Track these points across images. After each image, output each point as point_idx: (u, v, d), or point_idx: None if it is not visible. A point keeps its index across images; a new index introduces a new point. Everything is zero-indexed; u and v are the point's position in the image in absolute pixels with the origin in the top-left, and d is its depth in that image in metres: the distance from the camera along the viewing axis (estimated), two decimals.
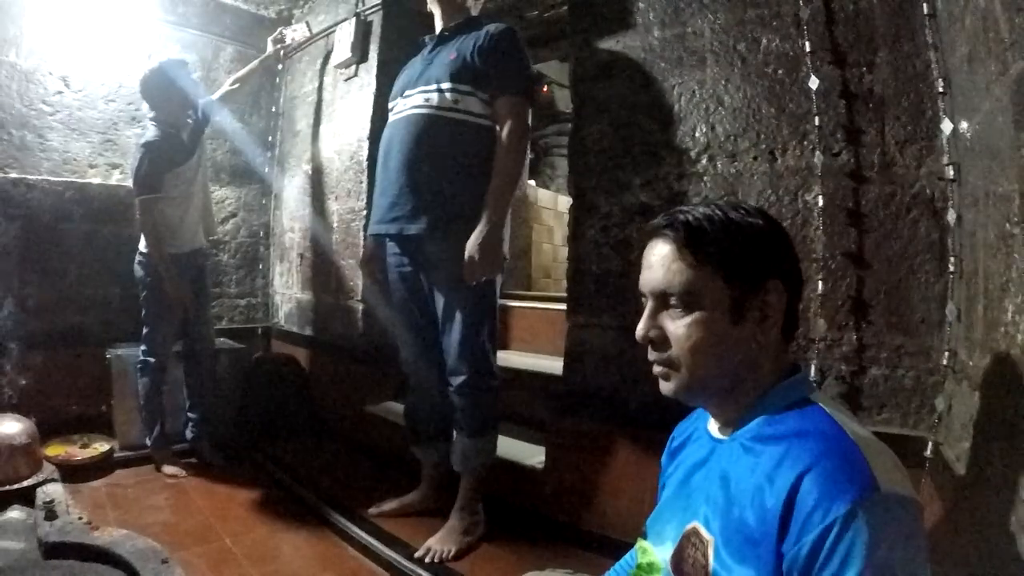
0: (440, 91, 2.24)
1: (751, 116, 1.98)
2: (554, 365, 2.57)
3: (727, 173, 2.02)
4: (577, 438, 2.37)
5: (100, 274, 3.66)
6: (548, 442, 2.52)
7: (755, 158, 1.96)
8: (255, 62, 3.50)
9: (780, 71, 1.92)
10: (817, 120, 1.83)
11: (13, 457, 2.70)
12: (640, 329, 1.01)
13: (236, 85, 3.43)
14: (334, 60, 3.69)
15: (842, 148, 1.81)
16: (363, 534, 2.39)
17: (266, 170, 4.40)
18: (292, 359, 3.89)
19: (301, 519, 2.65)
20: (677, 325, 0.96)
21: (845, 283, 1.79)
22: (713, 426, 1.07)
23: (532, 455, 2.60)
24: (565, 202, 4.78)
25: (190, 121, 3.19)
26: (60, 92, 3.67)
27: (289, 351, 4.04)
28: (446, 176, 2.24)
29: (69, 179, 3.63)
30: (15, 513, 2.46)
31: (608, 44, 2.32)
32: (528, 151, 2.47)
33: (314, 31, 3.87)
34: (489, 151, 2.23)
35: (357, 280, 3.40)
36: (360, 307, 3.39)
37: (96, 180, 3.76)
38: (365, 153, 3.36)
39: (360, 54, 3.49)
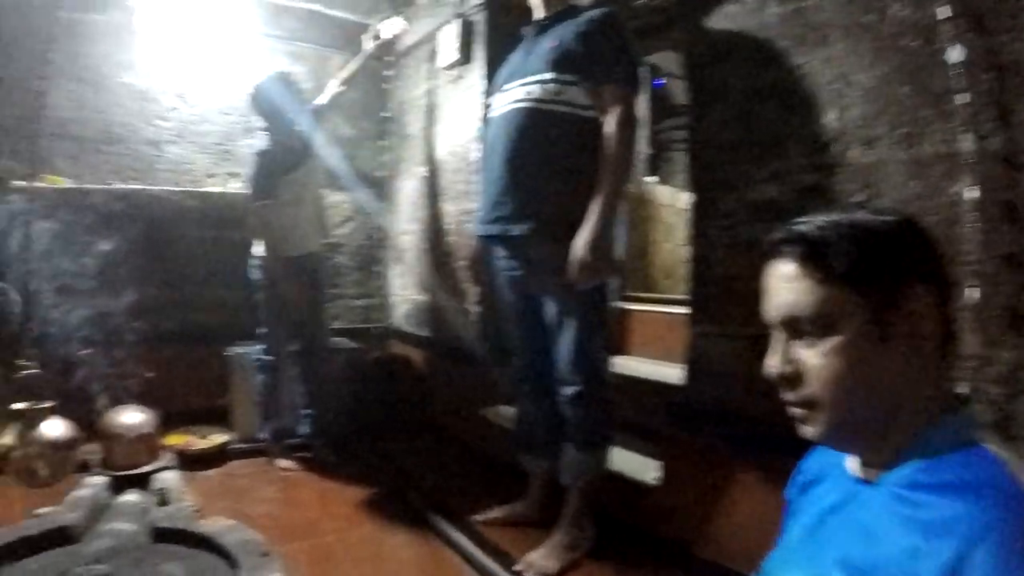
0: (541, 83, 2.12)
1: (885, 96, 1.70)
2: (674, 373, 2.37)
3: (862, 163, 1.75)
4: (695, 455, 2.18)
5: (221, 277, 3.80)
6: (664, 457, 2.34)
7: (893, 144, 1.68)
8: (356, 62, 3.51)
9: (913, 43, 1.63)
10: (960, 98, 1.53)
11: (133, 445, 2.82)
12: (770, 366, 0.86)
13: (342, 88, 3.47)
14: (439, 63, 3.67)
15: (993, 129, 1.50)
16: (466, 541, 2.31)
17: (380, 174, 4.48)
18: (407, 360, 3.91)
19: (406, 520, 2.60)
20: (813, 355, 0.81)
21: (1001, 291, 1.48)
22: (854, 463, 0.88)
23: (646, 469, 2.42)
24: (686, 199, 4.56)
25: (299, 128, 3.25)
26: (176, 108, 3.89)
27: (405, 352, 4.05)
28: (551, 173, 2.11)
29: (188, 188, 3.84)
30: (131, 497, 2.55)
31: (722, 25, 2.10)
32: (638, 144, 2.30)
33: (417, 32, 3.89)
34: (597, 145, 2.08)
35: (471, 282, 3.33)
36: (476, 309, 3.33)
37: (215, 189, 3.95)
38: (475, 154, 3.29)
39: (465, 55, 3.45)
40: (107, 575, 1.75)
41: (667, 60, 5.87)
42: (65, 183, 3.52)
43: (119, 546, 2.02)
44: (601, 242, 2.00)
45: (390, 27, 3.45)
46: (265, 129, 3.21)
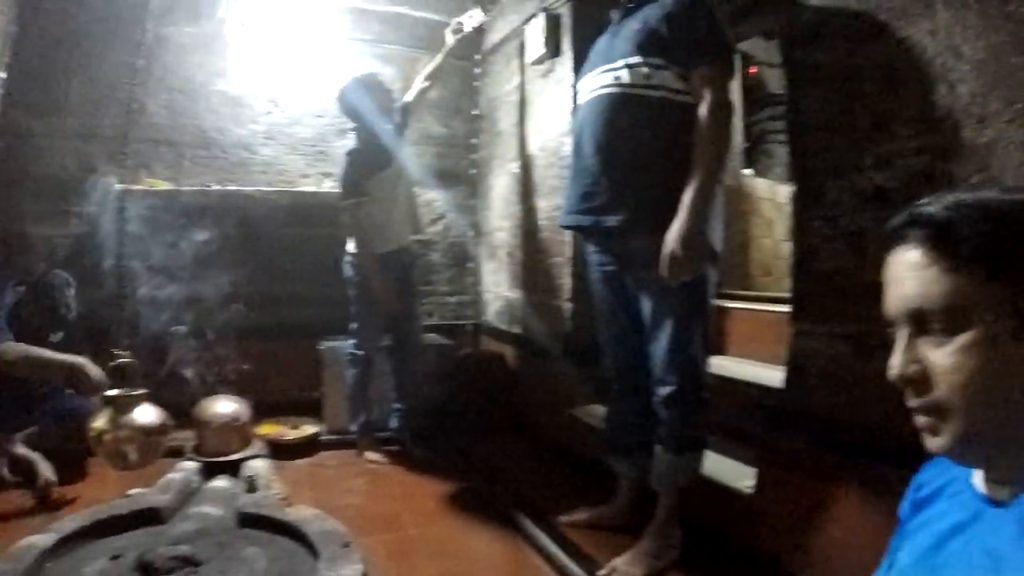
0: (629, 67, 2.01)
1: (998, 69, 1.50)
2: (773, 376, 2.21)
3: (976, 143, 1.54)
4: (794, 463, 2.01)
5: (314, 273, 3.90)
6: (760, 464, 2.18)
7: (1009, 121, 1.48)
8: (439, 57, 3.50)
9: None
10: None
11: (225, 433, 2.94)
12: (894, 367, 0.74)
13: (427, 83, 3.48)
14: (527, 58, 3.63)
15: None
16: (549, 542, 2.23)
17: (472, 171, 4.50)
18: (499, 356, 3.88)
19: (489, 518, 2.56)
20: (941, 355, 0.69)
21: None
22: (981, 479, 0.75)
23: (740, 476, 2.27)
24: (785, 192, 4.31)
25: (389, 127, 3.27)
26: (270, 112, 4.09)
27: (497, 348, 4.03)
28: (646, 160, 2.01)
29: (281, 188, 4.00)
30: (221, 482, 2.64)
31: (817, 0, 1.93)
32: (733, 131, 2.16)
33: (503, 29, 3.88)
34: (693, 130, 1.95)
35: (565, 279, 3.28)
36: (568, 306, 3.26)
37: (308, 188, 4.10)
38: (567, 149, 3.20)
39: (553, 49, 3.39)
40: (189, 555, 1.79)
41: (759, 48, 5.59)
42: (163, 185, 3.75)
43: (204, 529, 2.08)
44: (694, 235, 1.88)
45: (470, 20, 3.43)
46: (354, 129, 3.27)
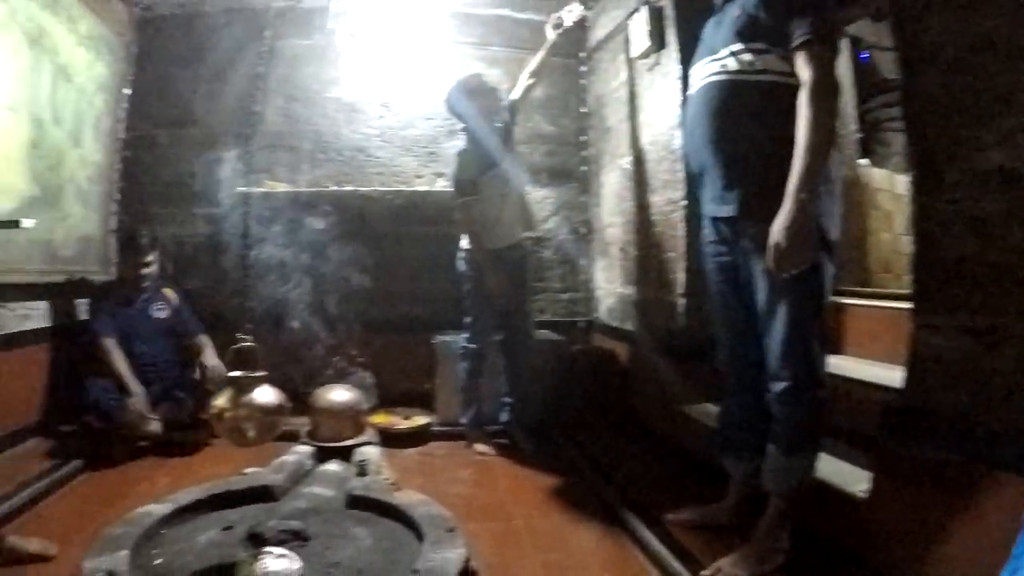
0: (733, 54, 1.96)
1: None
2: (891, 375, 2.09)
3: None
4: (914, 468, 1.85)
5: (428, 270, 4.09)
6: (876, 468, 2.02)
7: None
8: (541, 53, 3.50)
9: None
10: None
11: (339, 420, 3.12)
12: None
13: (532, 80, 3.50)
14: (633, 52, 3.59)
15: None
16: (654, 540, 2.20)
17: (582, 169, 4.50)
18: (611, 353, 3.86)
19: (595, 513, 2.55)
20: None
21: None
22: None
23: (854, 480, 2.12)
24: (904, 182, 4.08)
25: (498, 126, 3.34)
26: (382, 116, 4.32)
27: (609, 346, 4.01)
28: (757, 147, 1.95)
29: (397, 188, 4.18)
30: (332, 466, 2.78)
31: None
32: (838, 113, 2.03)
33: (607, 25, 3.86)
34: None
35: (679, 273, 3.21)
36: (682, 302, 3.19)
37: (421, 188, 4.26)
38: (678, 141, 3.16)
39: (657, 42, 3.33)
40: (298, 530, 1.90)
41: (868, 31, 5.18)
42: (282, 187, 4.04)
43: (314, 508, 2.20)
44: (800, 225, 1.79)
45: (570, 15, 3.42)
46: (463, 130, 3.37)
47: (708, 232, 2.19)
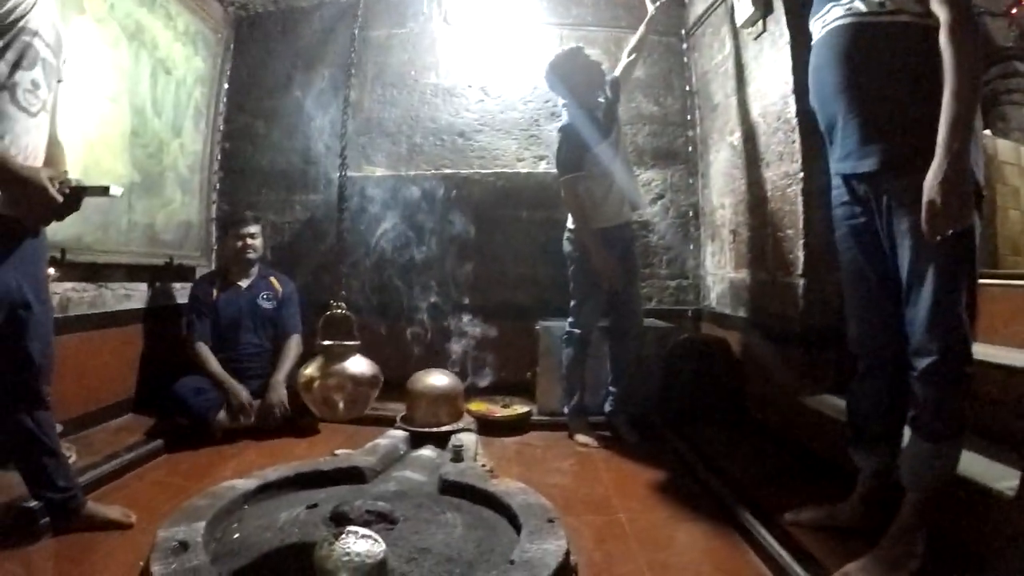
0: None
1: None
2: None
3: None
4: None
5: (531, 255, 3.99)
6: None
7: None
8: (642, 28, 3.37)
9: None
10: None
11: (435, 405, 3.09)
12: None
13: (633, 55, 3.36)
14: (738, 21, 3.35)
15: None
16: (771, 540, 1.97)
17: (689, 149, 4.27)
18: (721, 342, 3.60)
19: (705, 510, 2.36)
20: None
21: None
22: None
23: (997, 476, 1.82)
24: None
25: (601, 101, 3.19)
26: (481, 100, 4.28)
27: (719, 334, 3.75)
28: (896, 93, 1.72)
29: (498, 170, 4.10)
30: (428, 451, 2.74)
31: None
32: (981, 58, 1.76)
33: None
34: None
35: (797, 252, 2.93)
36: (801, 283, 2.91)
37: (523, 170, 4.17)
38: (793, 109, 2.90)
39: (764, 7, 3.08)
40: (386, 512, 1.83)
41: None
42: (380, 172, 4.08)
43: (405, 491, 2.14)
44: (956, 179, 1.55)
45: None
46: (565, 105, 3.23)
47: (839, 193, 1.96)
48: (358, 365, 1.86)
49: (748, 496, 2.31)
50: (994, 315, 2.49)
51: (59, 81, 1.93)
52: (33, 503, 1.99)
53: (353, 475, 2.31)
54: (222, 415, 3.09)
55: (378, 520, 1.77)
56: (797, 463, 2.70)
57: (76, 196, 1.76)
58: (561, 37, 4.21)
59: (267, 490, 2.10)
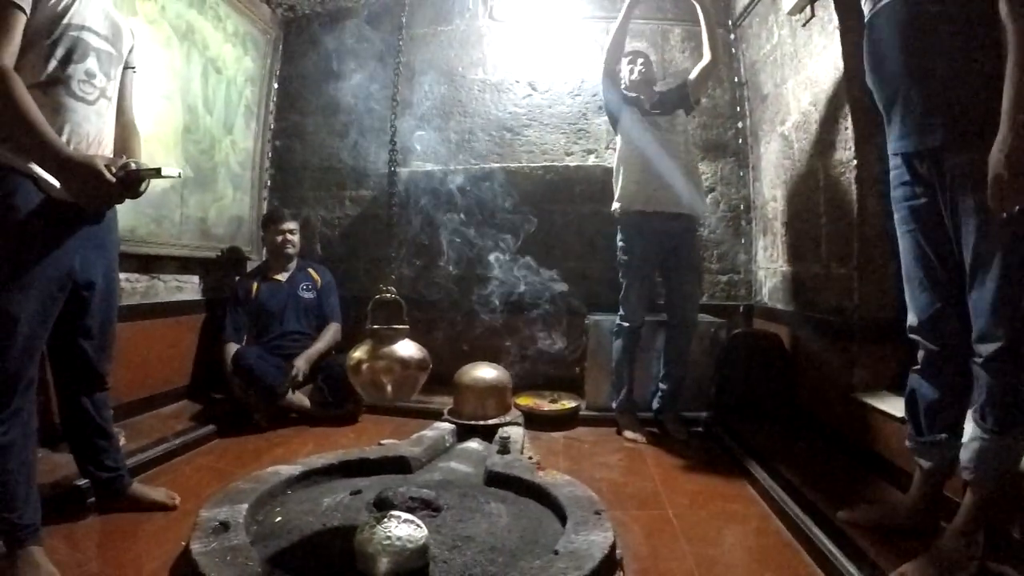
0: None
1: None
2: None
3: None
4: None
5: (581, 248, 3.96)
6: None
7: None
8: (703, 19, 3.17)
9: None
10: None
11: (482, 397, 3.06)
12: None
13: (708, 61, 3.17)
14: (785, 8, 3.24)
15: None
16: (824, 539, 1.90)
17: (739, 142, 4.16)
18: (773, 337, 3.48)
19: (756, 508, 2.30)
20: None
21: None
22: None
23: None
24: None
25: (657, 90, 3.21)
26: (529, 95, 4.27)
27: (772, 330, 3.62)
28: (962, 64, 1.63)
29: (547, 164, 4.07)
30: (474, 444, 2.72)
31: None
32: None
33: None
34: None
35: (852, 243, 2.81)
36: (856, 274, 2.78)
37: (572, 163, 4.12)
38: (845, 96, 2.78)
39: None
40: (430, 499, 1.81)
41: None
42: (428, 167, 4.09)
43: (450, 481, 2.12)
44: (1022, 152, 1.47)
45: None
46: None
47: (899, 174, 1.87)
48: (407, 348, 1.83)
49: (800, 494, 2.22)
50: None
51: (127, 68, 2.02)
52: (82, 482, 2.07)
53: (398, 464, 2.31)
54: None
55: (422, 507, 1.76)
56: (852, 461, 2.59)
57: (133, 180, 1.80)
58: (607, 31, 4.09)
59: (311, 476, 2.12)
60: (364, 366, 1.80)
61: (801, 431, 3.04)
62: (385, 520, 1.46)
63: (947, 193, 1.69)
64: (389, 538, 1.40)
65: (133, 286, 3.16)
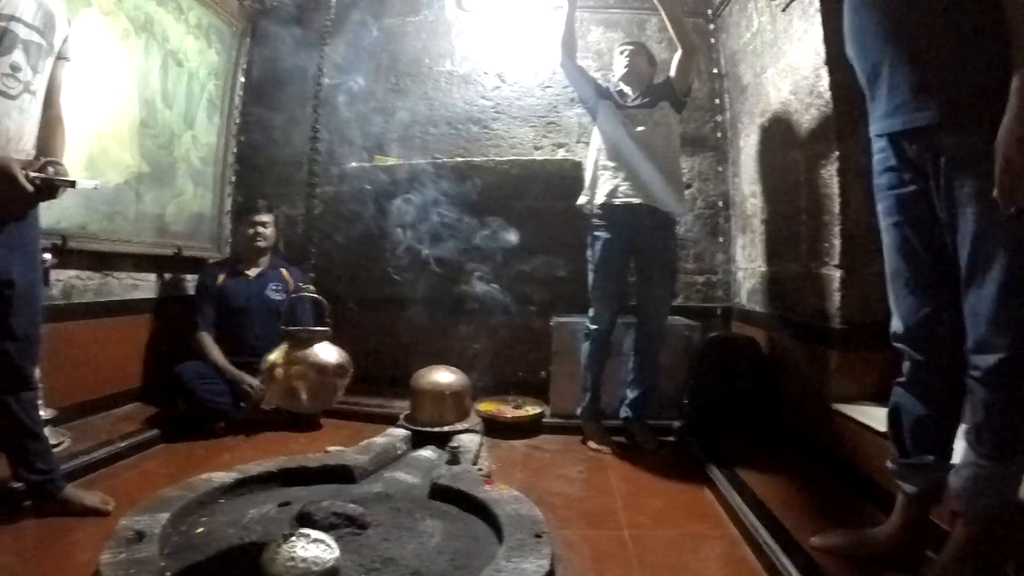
0: None
1: None
2: None
3: None
4: None
5: (549, 247, 3.73)
6: None
7: None
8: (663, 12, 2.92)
9: None
10: None
11: (440, 404, 2.87)
12: None
13: (681, 53, 2.94)
14: None
15: None
16: (792, 570, 1.64)
17: (718, 135, 3.91)
18: (750, 341, 3.21)
19: (723, 529, 2.05)
20: None
21: None
22: None
23: None
24: None
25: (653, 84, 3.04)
26: (497, 87, 4.05)
27: (750, 333, 3.36)
28: (957, 33, 1.39)
29: (512, 157, 3.85)
30: (427, 452, 2.54)
31: None
32: None
33: None
34: None
35: (833, 240, 2.55)
36: (837, 274, 2.52)
37: (539, 157, 3.90)
38: (826, 82, 2.53)
39: None
40: (355, 515, 1.66)
41: None
42: (391, 161, 3.86)
43: (391, 494, 1.97)
44: None
45: None
46: None
47: (883, 158, 1.61)
48: (324, 352, 1.67)
49: (772, 515, 1.97)
50: None
51: (60, 59, 1.93)
52: (17, 484, 1.98)
53: (341, 474, 2.16)
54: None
55: (345, 524, 1.61)
56: (833, 479, 2.33)
57: (48, 186, 1.76)
58: (581, 20, 3.89)
59: (246, 484, 1.99)
60: (277, 371, 1.63)
61: (779, 444, 2.78)
62: (292, 539, 1.32)
63: (941, 179, 1.44)
64: (293, 559, 1.28)
65: (85, 283, 2.98)
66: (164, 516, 1.63)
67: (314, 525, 1.53)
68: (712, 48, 3.94)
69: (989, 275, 1.34)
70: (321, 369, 1.65)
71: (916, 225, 1.54)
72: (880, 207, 1.65)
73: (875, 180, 1.66)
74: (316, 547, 1.32)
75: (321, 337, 1.72)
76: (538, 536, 1.60)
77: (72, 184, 1.76)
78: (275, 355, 1.68)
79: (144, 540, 1.51)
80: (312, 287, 1.82)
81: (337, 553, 1.33)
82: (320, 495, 1.82)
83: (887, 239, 1.64)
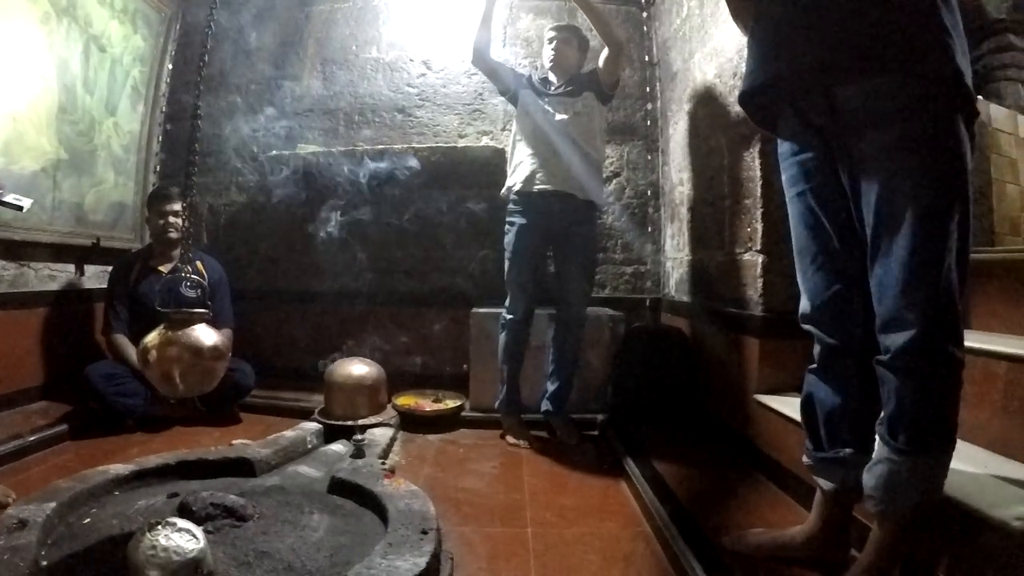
0: None
1: None
2: None
3: None
4: None
5: (469, 237, 3.59)
6: None
7: None
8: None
9: None
10: None
11: (353, 397, 2.74)
12: None
13: (607, 48, 2.75)
14: None
15: None
16: (699, 571, 1.46)
17: (648, 124, 3.73)
18: (675, 331, 3.04)
19: (635, 528, 1.86)
20: None
21: None
22: None
23: (999, 502, 1.25)
24: None
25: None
26: (423, 75, 3.89)
27: (679, 324, 3.20)
28: None
29: (432, 145, 3.68)
30: (338, 447, 2.39)
31: None
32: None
33: None
34: None
35: (755, 224, 2.39)
36: (760, 259, 2.36)
37: (460, 144, 3.74)
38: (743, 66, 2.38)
39: None
40: (234, 507, 1.51)
41: None
42: (312, 149, 3.65)
43: (287, 487, 1.86)
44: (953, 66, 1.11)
45: None
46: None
47: (785, 124, 1.43)
48: (202, 335, 1.54)
49: (685, 512, 1.79)
50: (986, 301, 1.96)
51: None
52: None
53: (241, 467, 2.00)
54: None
55: (224, 515, 1.48)
56: (754, 473, 2.17)
57: None
58: (511, 7, 3.74)
59: (143, 477, 1.85)
60: (151, 354, 1.50)
61: (702, 437, 2.62)
62: (157, 528, 1.22)
63: (841, 140, 1.26)
64: (155, 548, 1.19)
65: (0, 274, 2.74)
66: (50, 506, 1.53)
67: (192, 516, 1.41)
68: (644, 36, 3.77)
69: (896, 241, 1.16)
70: (197, 351, 1.51)
71: (820, 194, 1.37)
72: (784, 177, 1.48)
73: (779, 148, 1.49)
74: (180, 537, 1.21)
75: (200, 319, 1.56)
76: (424, 532, 1.43)
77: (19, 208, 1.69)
78: (150, 337, 1.53)
79: (26, 528, 1.42)
80: (190, 268, 1.71)
81: (202, 544, 1.22)
82: (213, 488, 1.66)
83: (792, 211, 1.47)
